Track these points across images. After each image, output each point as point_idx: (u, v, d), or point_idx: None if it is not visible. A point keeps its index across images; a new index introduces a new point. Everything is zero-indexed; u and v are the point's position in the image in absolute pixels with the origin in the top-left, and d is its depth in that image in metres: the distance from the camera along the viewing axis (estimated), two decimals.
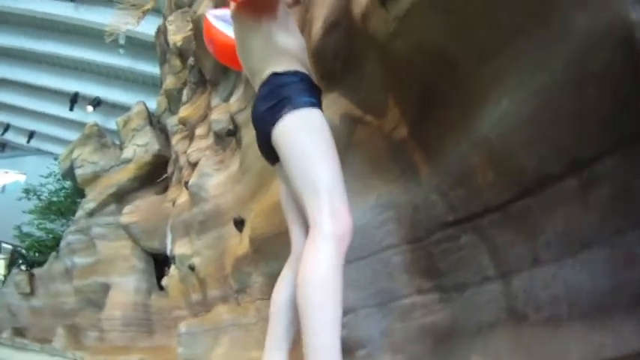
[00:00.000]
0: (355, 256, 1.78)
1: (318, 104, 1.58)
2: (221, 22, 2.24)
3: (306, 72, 1.67)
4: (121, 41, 11.55)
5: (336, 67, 2.11)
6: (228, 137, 3.82)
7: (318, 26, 2.11)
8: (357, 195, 1.78)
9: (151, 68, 11.27)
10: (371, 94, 1.88)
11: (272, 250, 2.59)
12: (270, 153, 1.61)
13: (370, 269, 1.88)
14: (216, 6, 3.38)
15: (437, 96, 1.53)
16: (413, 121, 1.67)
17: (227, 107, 3.87)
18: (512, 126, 1.26)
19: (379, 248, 1.86)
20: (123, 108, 12.56)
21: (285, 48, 1.68)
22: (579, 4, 1.04)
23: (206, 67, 4.35)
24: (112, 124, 12.71)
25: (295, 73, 1.61)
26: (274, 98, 1.57)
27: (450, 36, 1.34)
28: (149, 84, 12.38)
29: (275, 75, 1.62)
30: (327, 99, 1.98)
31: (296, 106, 1.52)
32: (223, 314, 3.55)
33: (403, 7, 1.38)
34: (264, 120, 1.58)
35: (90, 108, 13.76)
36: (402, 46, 1.52)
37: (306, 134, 1.50)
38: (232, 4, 1.79)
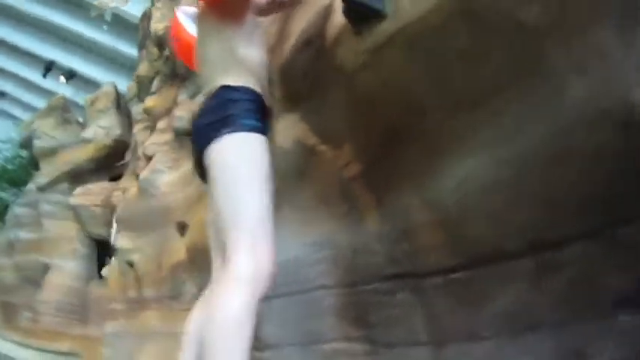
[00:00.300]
0: (284, 291, 1.71)
1: (263, 130, 1.47)
2: (190, 21, 2.18)
3: (259, 91, 1.55)
4: (107, 17, 11.29)
5: (302, 88, 1.98)
6: (187, 136, 3.74)
7: (290, 42, 2.03)
8: (296, 227, 1.71)
9: (132, 50, 11.05)
10: (330, 123, 1.78)
11: (208, 262, 2.51)
12: (202, 170, 1.49)
13: (298, 307, 1.80)
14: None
15: (397, 140, 1.45)
16: (367, 161, 1.59)
17: (191, 105, 3.77)
18: (473, 191, 1.19)
19: (310, 287, 1.78)
20: (96, 85, 12.27)
21: (243, 60, 1.57)
22: (578, 71, 0.96)
23: (179, 61, 4.25)
24: (82, 99, 12.49)
25: (247, 91, 1.49)
26: (218, 114, 1.45)
27: (424, 79, 1.26)
28: (127, 66, 12.11)
29: (225, 88, 1.50)
30: (286, 120, 1.91)
31: (238, 128, 1.41)
32: (152, 320, 3.44)
33: (378, 39, 1.29)
34: (202, 135, 1.47)
35: (62, 79, 13.34)
36: (369, 81, 1.44)
37: (240, 160, 1.39)
38: (200, 4, 1.70)
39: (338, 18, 1.53)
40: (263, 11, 1.64)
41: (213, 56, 1.63)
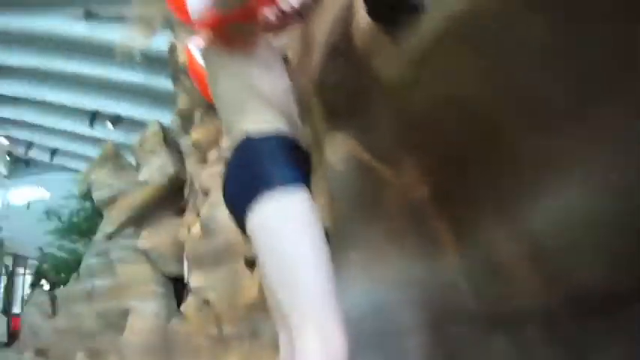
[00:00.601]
0: (368, 343, 1.51)
1: (303, 178, 1.23)
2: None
3: (289, 130, 1.32)
4: (137, 58, 11.58)
5: (340, 103, 1.71)
6: None
7: (316, 50, 1.82)
8: (367, 270, 1.51)
9: (169, 84, 11.29)
10: (381, 142, 1.51)
11: None
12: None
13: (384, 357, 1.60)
14: None
15: (468, 161, 1.18)
16: (436, 182, 1.34)
17: None
18: (574, 224, 0.96)
19: (394, 331, 1.58)
20: (143, 123, 12.63)
21: (261, 94, 1.34)
22: None
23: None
24: (133, 139, 12.92)
25: (271, 138, 1.25)
26: (248, 174, 1.23)
27: (489, 88, 1.01)
28: (168, 100, 12.38)
29: (249, 140, 1.26)
30: (335, 138, 1.73)
31: (273, 185, 1.17)
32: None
33: (422, 44, 1.03)
34: (236, 204, 1.25)
35: (110, 125, 13.84)
36: (419, 98, 1.19)
37: (286, 228, 1.15)
38: (202, 33, 1.43)
39: (363, 20, 1.27)
40: (274, 27, 1.44)
41: (227, 96, 1.40)
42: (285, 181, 1.17)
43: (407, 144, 1.40)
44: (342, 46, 1.52)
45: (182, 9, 1.51)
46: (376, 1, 1.14)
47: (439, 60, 1.07)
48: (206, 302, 3.99)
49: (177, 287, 6.96)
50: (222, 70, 1.41)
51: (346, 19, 1.43)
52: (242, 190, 1.22)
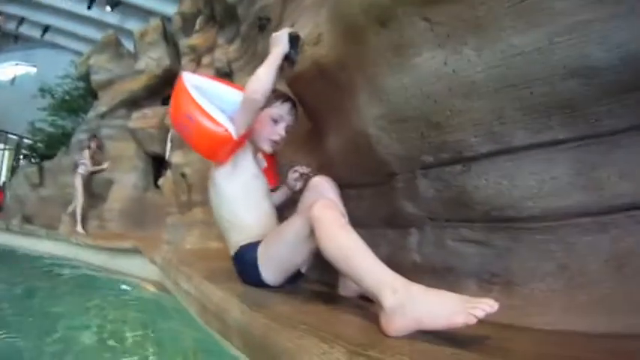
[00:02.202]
0: None
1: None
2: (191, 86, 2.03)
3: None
4: None
5: None
6: (225, 76, 4.52)
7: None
8: None
9: None
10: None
11: None
12: None
13: None
14: None
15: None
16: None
17: (227, 50, 4.47)
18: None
19: None
20: (141, 9, 12.67)
21: (238, 219, 2.01)
22: None
23: (216, 9, 4.93)
24: (129, 24, 12.90)
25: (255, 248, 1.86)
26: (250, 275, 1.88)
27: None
28: None
29: (239, 252, 1.94)
30: None
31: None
32: (197, 214, 4.49)
33: (295, 73, 2.05)
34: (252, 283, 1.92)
35: (108, 8, 13.66)
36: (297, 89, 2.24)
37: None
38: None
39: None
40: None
41: (213, 207, 2.07)
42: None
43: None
44: None
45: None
46: (289, 59, 1.99)
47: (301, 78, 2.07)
48: (182, 175, 4.90)
49: (156, 165, 7.86)
50: (210, 183, 2.06)
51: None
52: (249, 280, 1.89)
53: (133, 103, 7.97)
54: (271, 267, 1.82)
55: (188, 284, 2.40)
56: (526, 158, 1.44)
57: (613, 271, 1.35)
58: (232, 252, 1.99)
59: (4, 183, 13.30)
